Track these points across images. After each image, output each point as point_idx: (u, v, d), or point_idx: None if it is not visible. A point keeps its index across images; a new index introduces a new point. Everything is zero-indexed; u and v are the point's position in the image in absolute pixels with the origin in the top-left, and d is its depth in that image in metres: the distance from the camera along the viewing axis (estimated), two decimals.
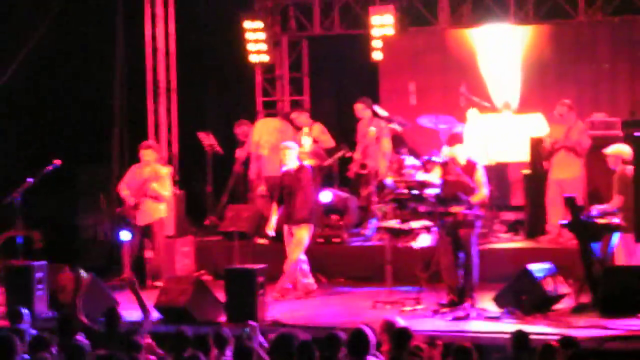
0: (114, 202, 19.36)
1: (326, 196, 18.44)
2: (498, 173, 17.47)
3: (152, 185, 17.38)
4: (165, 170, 17.77)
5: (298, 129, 19.06)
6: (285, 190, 16.11)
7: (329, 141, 18.90)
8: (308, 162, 17.83)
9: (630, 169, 14.44)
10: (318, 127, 19.11)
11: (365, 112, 18.58)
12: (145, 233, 17.58)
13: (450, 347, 10.58)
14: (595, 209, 14.84)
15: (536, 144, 18.02)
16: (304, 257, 16.07)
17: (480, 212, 15.18)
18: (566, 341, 10.83)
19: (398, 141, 18.51)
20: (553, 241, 17.06)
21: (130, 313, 12.92)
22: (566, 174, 17.36)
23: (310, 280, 16.20)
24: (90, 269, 16.23)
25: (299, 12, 21.01)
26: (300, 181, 16.02)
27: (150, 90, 20.36)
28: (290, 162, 16.11)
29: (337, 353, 10.03)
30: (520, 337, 10.93)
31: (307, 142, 18.58)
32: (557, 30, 19.14)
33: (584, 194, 16.94)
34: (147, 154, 17.68)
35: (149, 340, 11.53)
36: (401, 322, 11.36)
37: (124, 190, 17.61)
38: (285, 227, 16.12)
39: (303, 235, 16.00)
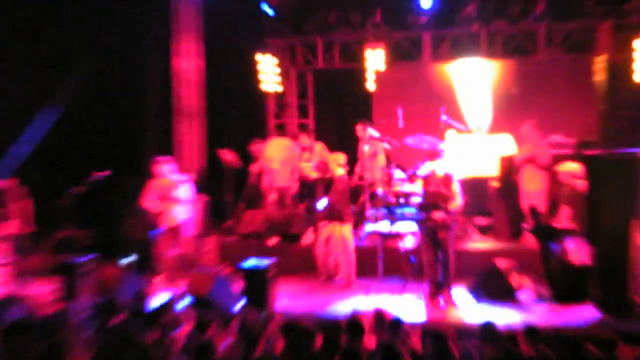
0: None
1: (323, 203, 18.51)
2: (472, 185, 17.50)
3: (172, 192, 17.45)
4: (181, 179, 17.81)
5: (303, 148, 19.17)
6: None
7: (327, 157, 18.98)
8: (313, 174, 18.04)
9: (579, 182, 14.53)
10: (319, 146, 19.21)
11: (364, 132, 18.66)
12: (171, 233, 17.67)
13: (429, 331, 10.73)
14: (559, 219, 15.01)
15: (505, 161, 18.13)
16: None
17: (456, 218, 15.31)
18: (528, 328, 10.95)
19: (387, 158, 18.59)
20: (516, 242, 17.12)
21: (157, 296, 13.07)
22: (532, 186, 17.45)
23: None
24: (128, 262, 16.47)
25: (305, 48, 21.05)
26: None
27: (179, 114, 20.45)
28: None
29: (360, 335, 10.14)
30: (488, 326, 11.04)
31: (314, 158, 18.74)
32: (522, 65, 19.18)
33: (546, 204, 17.05)
34: (158, 169, 17.78)
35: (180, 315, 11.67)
36: (390, 311, 11.49)
37: (146, 202, 17.68)
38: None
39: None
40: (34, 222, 19.09)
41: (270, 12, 20.50)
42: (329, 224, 16.22)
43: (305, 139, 19.46)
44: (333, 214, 16.25)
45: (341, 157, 16.71)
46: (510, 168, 17.99)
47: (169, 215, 17.44)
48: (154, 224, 17.89)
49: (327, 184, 16.45)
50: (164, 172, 17.59)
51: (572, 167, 15.10)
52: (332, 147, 19.21)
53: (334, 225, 16.19)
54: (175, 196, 17.41)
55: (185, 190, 17.48)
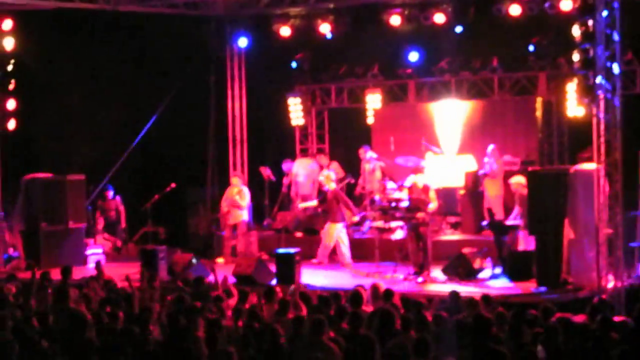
0: (209, 210, 19.52)
1: None
2: (444, 192, 17.45)
3: (236, 198, 17.46)
4: (243, 189, 17.84)
5: (320, 166, 19.16)
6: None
7: (340, 173, 19.01)
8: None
9: (525, 190, 14.49)
10: (335, 165, 19.20)
11: (365, 154, 18.64)
12: (234, 229, 17.66)
13: (411, 300, 10.72)
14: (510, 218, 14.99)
15: (469, 175, 18.10)
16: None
17: (433, 217, 15.32)
18: (485, 297, 10.93)
19: (383, 173, 18.57)
20: (478, 235, 16.98)
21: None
22: (491, 193, 17.42)
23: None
24: (193, 251, 16.48)
25: (322, 92, 21.02)
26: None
27: (231, 140, 20.50)
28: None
29: (361, 303, 10.11)
30: (455, 295, 11.04)
31: (331, 173, 18.74)
32: (482, 104, 19.08)
33: (502, 206, 17.01)
34: (235, 180, 17.82)
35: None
36: (383, 285, 11.48)
37: (223, 203, 17.73)
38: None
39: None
40: (125, 220, 19.21)
41: (294, 65, 20.47)
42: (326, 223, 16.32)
43: (323, 159, 19.43)
44: (328, 217, 16.26)
45: (332, 174, 16.69)
46: (474, 180, 17.95)
47: (233, 215, 17.45)
48: (221, 221, 17.94)
49: (323, 196, 16.52)
50: (235, 182, 17.64)
51: (519, 179, 15.07)
52: (342, 165, 19.27)
53: (329, 224, 16.16)
54: (237, 201, 17.42)
55: (246, 197, 17.49)
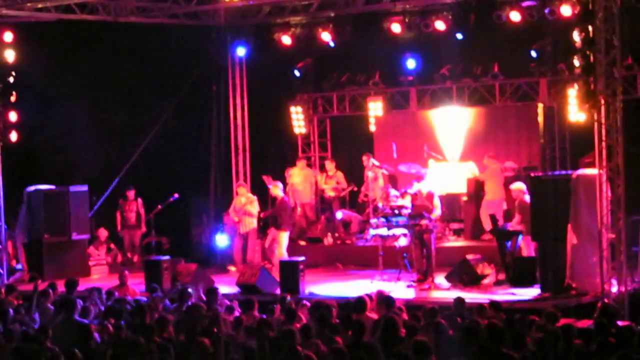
0: (212, 220, 19.55)
1: (339, 214, 18.58)
2: (447, 199, 17.50)
3: (247, 207, 17.47)
4: (253, 198, 17.87)
5: (323, 172, 19.16)
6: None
7: (343, 183, 19.03)
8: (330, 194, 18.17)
9: (527, 197, 14.54)
10: (340, 174, 19.20)
11: (368, 162, 18.62)
12: (244, 238, 17.65)
13: (416, 307, 10.74)
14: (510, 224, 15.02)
15: (471, 181, 18.14)
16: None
17: (436, 224, 15.37)
18: (494, 303, 10.96)
19: (386, 180, 18.60)
20: (481, 241, 17.07)
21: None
22: (491, 197, 17.46)
23: None
24: (197, 260, 16.53)
25: (324, 101, 21.03)
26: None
27: (233, 149, 20.55)
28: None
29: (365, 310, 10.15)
30: (460, 301, 11.08)
31: (331, 183, 18.82)
32: (483, 111, 19.09)
33: (502, 212, 17.03)
34: (241, 190, 17.83)
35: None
36: (388, 292, 11.53)
37: (232, 213, 17.71)
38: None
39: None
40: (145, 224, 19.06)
41: (298, 73, 20.52)
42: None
43: (330, 165, 19.35)
44: (275, 224, 16.50)
45: (280, 184, 16.94)
46: (476, 186, 17.99)
47: (244, 223, 17.46)
48: (228, 227, 17.96)
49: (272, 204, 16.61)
50: (242, 192, 17.66)
51: (518, 186, 15.11)
52: (345, 174, 19.32)
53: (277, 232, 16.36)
54: (249, 210, 17.44)
55: (256, 205, 17.51)
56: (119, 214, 18.76)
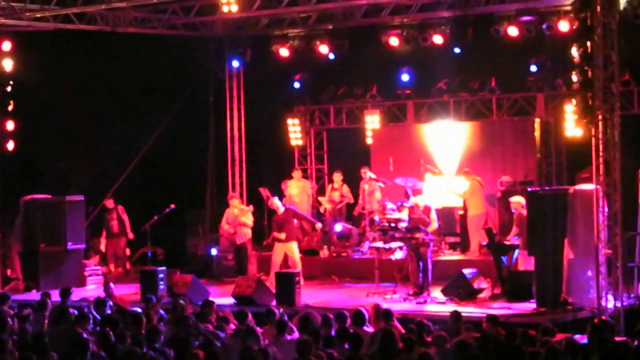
0: (208, 231, 19.52)
1: (338, 227, 18.56)
2: (444, 213, 17.47)
3: (242, 218, 17.42)
4: (247, 208, 17.83)
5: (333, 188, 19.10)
6: None
7: (349, 195, 18.96)
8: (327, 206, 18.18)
9: (524, 211, 14.54)
10: (346, 187, 19.08)
11: (364, 175, 18.56)
12: (241, 249, 17.56)
13: (413, 321, 10.72)
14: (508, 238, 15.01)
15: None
16: None
17: (433, 237, 15.36)
18: (492, 317, 10.92)
19: (382, 193, 18.58)
20: (477, 255, 17.06)
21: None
22: (472, 212, 17.46)
23: None
24: (192, 271, 16.49)
25: (321, 113, 21.08)
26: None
27: (229, 160, 20.55)
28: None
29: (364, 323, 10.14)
30: (456, 315, 11.07)
31: (336, 195, 18.79)
32: (480, 125, 19.09)
33: (496, 225, 17.01)
34: (234, 201, 17.79)
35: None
36: (384, 305, 11.51)
37: (225, 225, 17.64)
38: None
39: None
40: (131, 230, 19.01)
41: (297, 85, 20.55)
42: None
43: (337, 177, 19.25)
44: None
45: (273, 201, 16.63)
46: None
47: (240, 234, 17.41)
48: (221, 242, 17.94)
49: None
50: (235, 204, 17.63)
51: (519, 199, 15.12)
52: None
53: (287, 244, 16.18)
54: (243, 221, 17.40)
55: (249, 216, 17.48)
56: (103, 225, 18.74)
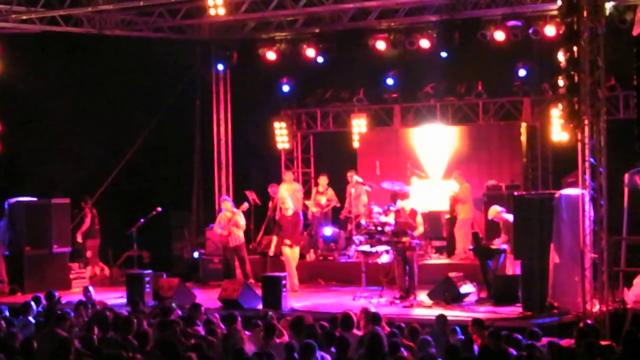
0: (194, 234, 19.48)
1: (328, 231, 18.54)
2: (430, 217, 17.50)
3: (236, 217, 17.34)
4: (238, 211, 17.78)
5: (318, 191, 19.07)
6: None
7: (335, 199, 18.91)
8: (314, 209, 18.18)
9: (510, 216, 14.57)
10: (331, 190, 19.00)
11: (351, 178, 18.52)
12: (235, 251, 17.50)
13: (399, 323, 10.73)
14: (495, 242, 15.03)
15: (453, 199, 18.11)
16: None
17: (419, 241, 15.39)
18: (477, 321, 10.92)
19: (369, 197, 18.58)
20: (463, 259, 17.13)
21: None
22: (461, 216, 17.50)
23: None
24: (178, 275, 16.46)
25: (307, 117, 21.10)
26: None
27: (216, 163, 20.53)
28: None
29: (353, 327, 10.16)
30: (442, 318, 11.07)
31: (322, 199, 18.78)
32: (466, 129, 19.16)
33: (482, 229, 17.05)
34: (225, 204, 17.69)
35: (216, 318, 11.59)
36: (372, 309, 11.50)
37: (217, 229, 17.55)
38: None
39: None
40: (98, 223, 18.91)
41: (286, 89, 20.56)
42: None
43: (322, 181, 19.23)
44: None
45: (287, 201, 16.84)
46: (451, 205, 18.02)
47: (233, 237, 17.33)
48: (208, 245, 17.88)
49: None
50: (226, 206, 17.56)
51: (495, 208, 15.14)
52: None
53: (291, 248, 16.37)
54: (237, 223, 17.33)
55: (242, 219, 17.43)
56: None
